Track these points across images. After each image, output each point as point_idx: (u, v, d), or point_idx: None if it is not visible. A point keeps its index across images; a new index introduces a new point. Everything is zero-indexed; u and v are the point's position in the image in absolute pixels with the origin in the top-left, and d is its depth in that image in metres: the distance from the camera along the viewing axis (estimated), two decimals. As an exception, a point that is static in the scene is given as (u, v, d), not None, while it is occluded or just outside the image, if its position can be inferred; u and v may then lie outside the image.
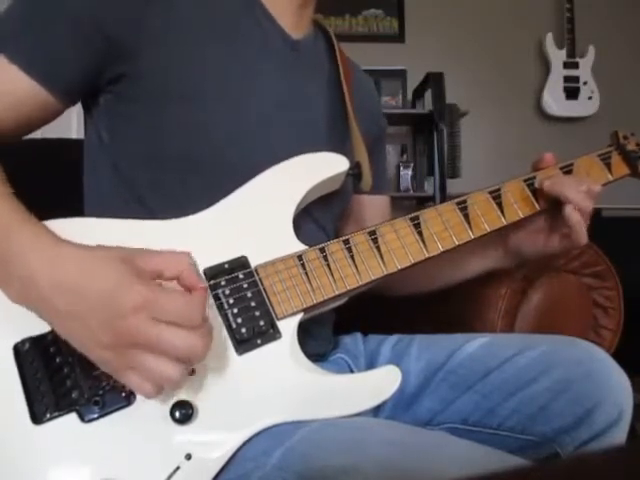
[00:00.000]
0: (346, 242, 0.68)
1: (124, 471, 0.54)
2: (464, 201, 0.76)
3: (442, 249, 0.72)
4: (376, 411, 0.76)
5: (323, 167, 0.71)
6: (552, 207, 0.78)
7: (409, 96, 2.92)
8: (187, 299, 0.52)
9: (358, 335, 0.89)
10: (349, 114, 0.82)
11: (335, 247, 0.67)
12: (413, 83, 2.86)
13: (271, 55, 0.76)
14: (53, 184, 0.93)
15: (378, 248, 0.69)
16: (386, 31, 3.02)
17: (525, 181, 0.79)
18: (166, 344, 0.50)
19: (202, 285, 0.54)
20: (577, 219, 0.75)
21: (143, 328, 0.49)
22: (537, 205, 0.78)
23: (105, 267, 0.52)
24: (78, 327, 0.52)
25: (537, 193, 0.78)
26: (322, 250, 0.66)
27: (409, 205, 2.94)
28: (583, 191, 0.75)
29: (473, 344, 0.77)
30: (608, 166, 0.86)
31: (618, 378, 0.69)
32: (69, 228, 0.58)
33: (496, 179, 0.81)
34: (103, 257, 0.52)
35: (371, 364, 0.83)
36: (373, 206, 0.96)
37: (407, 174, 2.84)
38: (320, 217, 0.79)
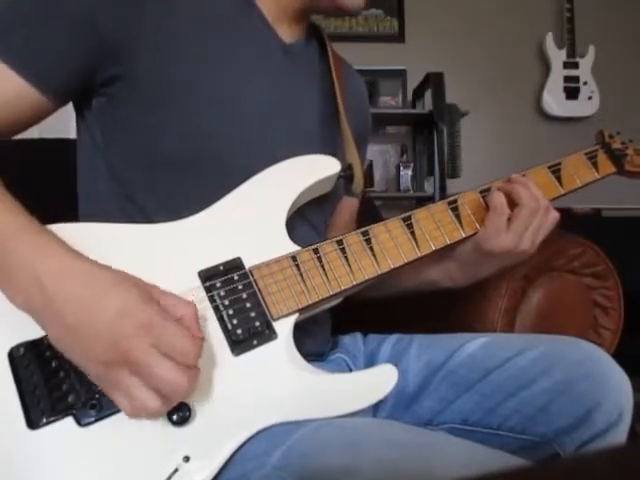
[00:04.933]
0: (339, 242, 0.68)
1: (122, 474, 0.54)
2: (455, 201, 0.77)
3: (434, 248, 0.73)
4: (376, 411, 0.76)
5: (315, 169, 0.72)
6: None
7: (409, 96, 2.92)
8: (190, 337, 0.52)
9: (358, 335, 0.89)
10: (341, 116, 0.82)
11: (329, 247, 0.67)
12: (413, 83, 2.86)
13: (264, 58, 0.76)
14: (53, 184, 0.93)
15: (371, 248, 0.69)
16: (386, 31, 3.02)
17: None
18: (154, 374, 0.50)
19: (200, 335, 0.55)
20: (499, 200, 0.75)
21: (140, 350, 0.50)
22: None
23: (121, 288, 0.53)
24: (77, 339, 0.52)
25: None
26: (316, 251, 0.67)
27: (409, 205, 2.94)
28: (528, 191, 0.75)
29: (473, 344, 0.77)
30: (595, 164, 0.87)
31: (618, 378, 0.69)
32: (66, 233, 0.58)
33: (496, 179, 0.81)
34: (116, 277, 0.54)
35: (371, 364, 0.83)
36: (342, 207, 0.94)
37: (407, 174, 2.83)
38: (313, 218, 0.79)
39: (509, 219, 0.75)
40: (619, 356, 0.76)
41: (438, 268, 0.84)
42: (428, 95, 2.69)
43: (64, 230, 0.59)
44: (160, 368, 0.50)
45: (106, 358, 0.51)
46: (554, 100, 2.95)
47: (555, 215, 0.78)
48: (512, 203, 0.76)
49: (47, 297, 0.52)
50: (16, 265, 0.54)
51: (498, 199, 0.75)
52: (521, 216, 0.75)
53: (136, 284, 0.54)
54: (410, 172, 2.84)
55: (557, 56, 2.94)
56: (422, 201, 2.83)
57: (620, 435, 0.68)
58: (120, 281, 0.53)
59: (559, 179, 0.83)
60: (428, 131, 2.80)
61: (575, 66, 2.93)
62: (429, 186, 2.87)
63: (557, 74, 2.94)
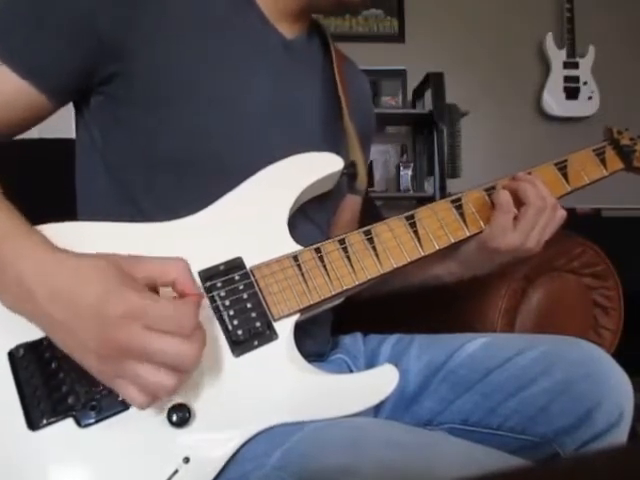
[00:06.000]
0: (342, 242, 0.68)
1: (122, 475, 0.53)
2: (459, 199, 0.76)
3: (438, 247, 0.73)
4: (376, 411, 0.76)
5: (318, 167, 0.71)
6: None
7: (409, 96, 2.92)
8: (177, 306, 0.51)
9: (358, 335, 0.89)
10: (344, 113, 0.82)
11: (331, 247, 0.67)
12: (413, 83, 2.86)
13: (265, 55, 0.76)
14: (53, 184, 0.93)
15: (374, 247, 0.69)
16: (386, 31, 3.02)
17: None
18: (158, 353, 0.49)
19: (196, 292, 0.54)
20: (505, 199, 0.74)
21: (132, 336, 0.49)
22: None
23: (95, 274, 0.51)
24: (71, 336, 0.51)
25: None
26: (318, 250, 0.66)
27: (409, 205, 2.94)
28: (535, 189, 0.75)
29: (473, 344, 0.77)
30: (603, 161, 0.87)
31: (619, 378, 0.69)
32: (63, 233, 0.58)
33: (497, 179, 0.81)
34: (94, 264, 0.52)
35: (371, 364, 0.82)
36: (344, 205, 0.93)
37: (407, 174, 2.83)
38: (316, 216, 0.79)
39: (515, 217, 0.75)
40: (619, 356, 0.76)
41: (441, 266, 0.84)
42: (428, 95, 2.69)
43: (60, 230, 0.59)
44: (162, 344, 0.49)
45: (103, 352, 0.50)
46: (554, 100, 2.95)
47: (562, 213, 0.78)
48: (518, 201, 0.76)
49: (31, 296, 0.51)
50: (2, 268, 0.54)
51: (504, 197, 0.75)
52: (528, 215, 0.75)
53: (115, 265, 0.51)
54: (410, 172, 2.84)
55: (557, 56, 2.94)
56: (422, 201, 2.83)
57: (621, 435, 0.68)
58: (96, 269, 0.51)
59: (565, 176, 0.83)
60: (428, 131, 2.80)
61: (575, 66, 2.93)
62: (429, 186, 2.87)
63: (557, 74, 2.95)
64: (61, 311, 0.51)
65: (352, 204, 0.95)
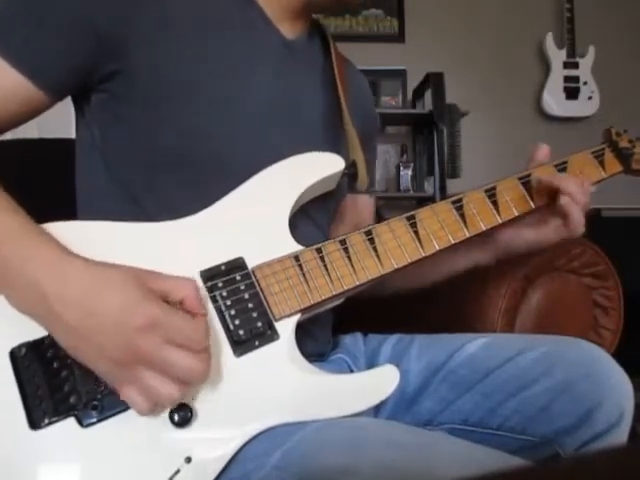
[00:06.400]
0: (343, 242, 0.68)
1: (124, 475, 0.54)
2: (460, 200, 0.76)
3: (438, 248, 0.73)
4: (376, 411, 0.76)
5: (319, 167, 0.71)
6: (546, 203, 0.79)
7: (409, 96, 2.92)
8: (194, 323, 0.53)
9: (358, 335, 0.89)
10: (344, 112, 0.82)
11: (332, 247, 0.67)
12: (413, 83, 2.85)
13: (265, 54, 0.76)
14: (53, 184, 0.93)
15: (375, 248, 0.69)
16: (386, 31, 3.02)
17: (520, 179, 0.80)
18: (170, 364, 0.51)
19: (203, 312, 0.56)
20: (575, 209, 0.75)
21: (151, 347, 0.51)
22: (532, 203, 0.79)
23: (118, 286, 0.53)
24: (85, 341, 0.53)
25: (532, 191, 0.79)
26: (319, 250, 0.66)
27: (409, 205, 2.94)
28: (579, 185, 0.76)
29: (474, 344, 0.77)
30: (601, 163, 0.86)
31: (619, 378, 0.69)
32: (65, 231, 0.58)
33: (497, 179, 0.81)
34: (115, 276, 0.53)
35: (371, 364, 0.83)
36: (356, 206, 0.94)
37: (407, 174, 2.83)
38: (317, 216, 0.79)
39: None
40: (619, 356, 0.76)
41: (483, 254, 0.85)
42: (428, 95, 2.68)
43: (62, 229, 0.59)
44: (175, 358, 0.51)
45: (118, 358, 0.51)
46: (554, 100, 2.95)
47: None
48: (553, 191, 0.77)
49: (47, 303, 0.52)
50: (14, 270, 0.54)
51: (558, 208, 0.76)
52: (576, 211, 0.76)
53: (135, 278, 0.53)
54: (410, 172, 2.84)
55: (557, 56, 2.94)
56: (422, 201, 2.83)
57: (621, 435, 0.68)
58: (118, 279, 0.53)
59: None
60: (428, 131, 2.80)
61: (575, 66, 2.93)
62: (429, 186, 2.87)
63: (557, 74, 2.95)
64: (77, 318, 0.52)
65: (368, 205, 0.96)
